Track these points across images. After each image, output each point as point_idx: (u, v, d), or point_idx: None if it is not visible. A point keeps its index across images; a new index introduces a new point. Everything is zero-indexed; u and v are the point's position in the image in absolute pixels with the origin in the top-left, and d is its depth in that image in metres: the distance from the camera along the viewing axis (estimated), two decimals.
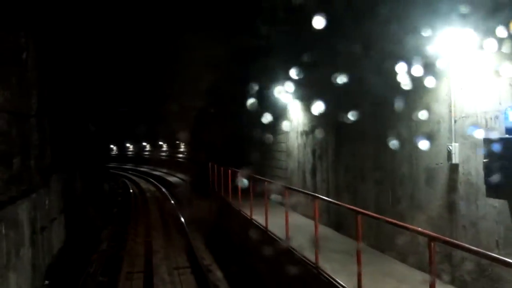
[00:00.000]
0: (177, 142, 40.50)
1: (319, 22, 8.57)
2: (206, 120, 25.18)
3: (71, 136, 13.12)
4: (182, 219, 18.08)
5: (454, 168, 5.95)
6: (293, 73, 10.95)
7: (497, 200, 5.15)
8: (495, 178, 5.01)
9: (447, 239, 4.17)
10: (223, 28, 16.38)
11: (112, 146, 59.91)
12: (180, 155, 40.37)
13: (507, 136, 4.92)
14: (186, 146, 37.55)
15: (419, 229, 4.65)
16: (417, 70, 6.51)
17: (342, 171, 9.63)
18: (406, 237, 6.61)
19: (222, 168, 14.85)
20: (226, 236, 13.99)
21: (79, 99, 15.47)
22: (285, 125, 13.45)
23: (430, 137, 6.48)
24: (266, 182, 10.25)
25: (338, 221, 9.55)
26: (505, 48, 5.01)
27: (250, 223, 10.73)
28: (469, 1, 5.33)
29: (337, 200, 8.50)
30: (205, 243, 14.47)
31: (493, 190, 5.03)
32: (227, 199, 13.72)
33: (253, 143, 17.03)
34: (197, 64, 21.90)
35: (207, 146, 24.11)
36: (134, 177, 42.26)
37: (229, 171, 13.57)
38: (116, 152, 65.62)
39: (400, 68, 6.90)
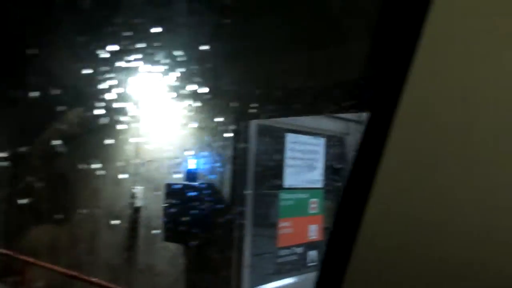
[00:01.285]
0: None
1: None
2: None
3: None
4: None
5: (137, 211, 5.93)
6: None
7: (172, 244, 5.36)
8: (172, 222, 5.20)
9: None
10: None
11: None
12: None
13: (186, 182, 5.21)
14: None
15: (93, 279, 4.30)
16: (108, 109, 6.33)
17: (16, 208, 8.39)
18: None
19: None
20: None
21: None
22: None
23: (116, 178, 6.32)
24: None
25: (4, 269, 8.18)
26: (188, 101, 5.38)
27: None
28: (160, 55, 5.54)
29: (7, 244, 7.30)
30: None
31: (170, 234, 5.20)
32: None
33: None
34: None
35: None
36: None
37: None
38: None
39: (92, 104, 6.60)
